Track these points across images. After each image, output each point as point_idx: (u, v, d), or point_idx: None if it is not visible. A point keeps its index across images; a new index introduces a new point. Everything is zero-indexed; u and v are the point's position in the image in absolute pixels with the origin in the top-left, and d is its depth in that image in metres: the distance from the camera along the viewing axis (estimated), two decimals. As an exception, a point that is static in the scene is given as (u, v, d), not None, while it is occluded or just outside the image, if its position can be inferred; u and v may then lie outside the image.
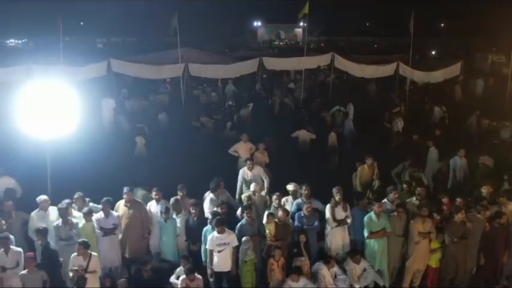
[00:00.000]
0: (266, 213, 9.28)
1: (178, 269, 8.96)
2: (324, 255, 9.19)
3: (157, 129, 17.41)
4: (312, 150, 14.87)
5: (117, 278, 8.88)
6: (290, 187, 9.86)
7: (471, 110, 18.32)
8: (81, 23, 47.04)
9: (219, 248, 8.55)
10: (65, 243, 8.65)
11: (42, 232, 8.26)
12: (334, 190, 9.35)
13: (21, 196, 9.86)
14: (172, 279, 8.90)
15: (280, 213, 9.00)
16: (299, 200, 9.56)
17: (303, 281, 8.57)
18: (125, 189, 9.32)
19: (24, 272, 7.81)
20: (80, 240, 8.17)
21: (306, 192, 9.45)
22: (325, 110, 18.91)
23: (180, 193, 9.76)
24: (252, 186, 10.02)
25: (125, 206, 9.29)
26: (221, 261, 8.60)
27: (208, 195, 9.92)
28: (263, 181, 10.71)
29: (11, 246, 8.03)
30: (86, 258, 7.99)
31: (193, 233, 9.22)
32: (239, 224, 8.95)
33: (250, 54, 26.60)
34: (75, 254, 8.01)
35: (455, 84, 23.59)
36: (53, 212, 9.09)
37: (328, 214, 9.22)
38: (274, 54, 29.07)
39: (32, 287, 7.74)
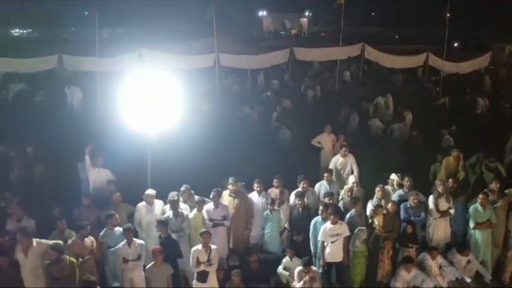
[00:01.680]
0: (370, 204, 9.31)
1: (284, 260, 9.00)
2: (426, 246, 9.26)
3: (203, 120, 17.09)
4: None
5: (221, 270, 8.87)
6: (392, 177, 9.87)
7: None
8: (86, 13, 46.45)
9: (332, 239, 8.53)
10: (176, 235, 8.55)
11: (164, 223, 8.17)
12: (437, 182, 9.41)
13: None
14: (280, 269, 8.92)
15: (389, 205, 9.01)
16: (401, 191, 9.60)
17: (414, 271, 8.66)
18: (230, 180, 9.29)
19: (150, 265, 7.72)
20: (204, 229, 8.10)
21: (408, 183, 9.49)
22: (367, 101, 18.82)
23: (276, 184, 9.71)
24: (352, 178, 10.03)
25: (230, 196, 9.25)
26: (333, 252, 8.60)
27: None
28: (352, 171, 10.71)
29: (134, 238, 7.92)
30: (207, 250, 7.90)
31: (298, 223, 9.22)
32: (348, 215, 8.95)
33: (276, 45, 26.35)
34: (198, 246, 7.92)
35: (485, 74, 23.65)
36: (157, 205, 9.00)
37: (431, 205, 9.24)
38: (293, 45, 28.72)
39: (158, 281, 7.68)
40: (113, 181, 9.56)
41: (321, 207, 8.85)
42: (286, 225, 9.45)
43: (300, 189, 9.51)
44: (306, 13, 61.61)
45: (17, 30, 46.59)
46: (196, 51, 20.20)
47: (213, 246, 7.96)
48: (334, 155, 11.46)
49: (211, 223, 8.80)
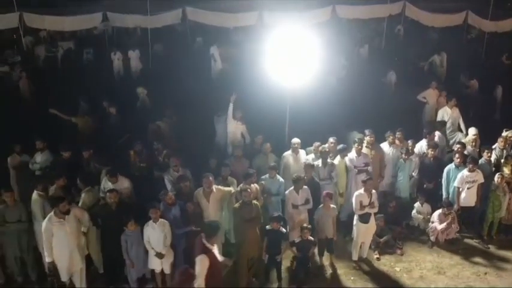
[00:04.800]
0: (493, 153, 9.92)
1: (416, 205, 9.75)
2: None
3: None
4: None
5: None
6: (505, 134, 10.50)
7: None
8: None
9: (468, 185, 9.21)
10: (324, 182, 9.18)
11: (312, 167, 8.95)
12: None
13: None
14: (414, 213, 9.65)
15: (517, 154, 9.70)
16: (522, 142, 10.27)
17: (538, 214, 9.46)
18: (367, 132, 9.85)
19: (320, 207, 8.34)
20: (367, 177, 8.65)
21: (527, 135, 10.18)
22: (422, 59, 19.17)
23: (399, 136, 10.29)
24: (473, 130, 10.61)
25: (367, 147, 9.79)
26: (467, 197, 9.29)
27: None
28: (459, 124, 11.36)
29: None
30: (369, 194, 8.49)
31: (429, 172, 9.89)
32: (479, 162, 9.59)
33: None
34: (361, 191, 8.50)
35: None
36: (302, 154, 9.56)
37: (550, 155, 9.93)
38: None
39: (326, 222, 8.33)
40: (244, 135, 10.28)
41: (456, 155, 9.48)
42: (414, 174, 10.08)
43: (431, 140, 10.27)
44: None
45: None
46: (238, 8, 20.25)
47: (373, 191, 8.56)
48: (437, 109, 12.06)
49: (356, 169, 9.39)
